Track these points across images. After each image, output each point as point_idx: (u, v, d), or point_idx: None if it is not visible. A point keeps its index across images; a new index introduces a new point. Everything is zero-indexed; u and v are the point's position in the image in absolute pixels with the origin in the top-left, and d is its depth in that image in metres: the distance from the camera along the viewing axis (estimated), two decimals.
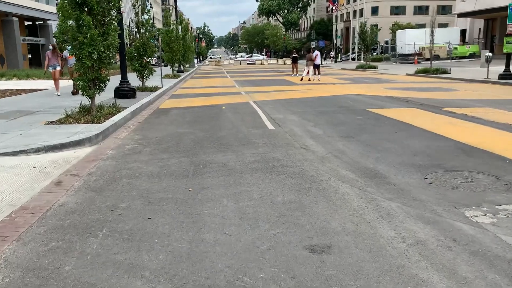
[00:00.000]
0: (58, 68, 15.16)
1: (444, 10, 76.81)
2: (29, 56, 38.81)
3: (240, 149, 7.06)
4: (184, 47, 34.67)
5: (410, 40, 50.17)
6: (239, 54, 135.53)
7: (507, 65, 21.13)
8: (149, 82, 19.50)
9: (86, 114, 9.77)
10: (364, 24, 40.69)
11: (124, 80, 14.45)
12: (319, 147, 7.08)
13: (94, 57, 9.58)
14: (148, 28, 17.95)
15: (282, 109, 12.23)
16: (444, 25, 58.20)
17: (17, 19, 34.07)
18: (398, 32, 54.96)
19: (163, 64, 40.10)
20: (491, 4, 47.29)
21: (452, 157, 6.19)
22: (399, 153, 6.48)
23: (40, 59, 37.16)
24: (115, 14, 10.19)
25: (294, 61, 30.06)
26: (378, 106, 12.37)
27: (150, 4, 58.39)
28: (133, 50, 17.59)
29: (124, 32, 16.96)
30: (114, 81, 14.00)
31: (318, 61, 24.75)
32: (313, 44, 64.31)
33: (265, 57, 78.72)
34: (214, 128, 9.19)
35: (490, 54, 23.96)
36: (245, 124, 9.64)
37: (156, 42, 22.80)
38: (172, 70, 30.84)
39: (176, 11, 45.20)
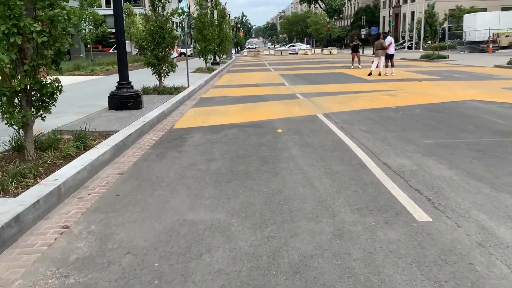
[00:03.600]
0: None
1: None
2: None
3: None
4: (220, 35, 29.50)
5: (482, 25, 42.89)
6: (269, 44, 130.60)
7: None
8: (173, 79, 14.47)
9: (9, 163, 4.70)
10: (432, 7, 34.00)
11: (123, 82, 9.27)
12: None
13: (18, 43, 4.49)
14: (167, 4, 12.74)
15: (390, 136, 6.72)
16: (509, 9, 49.97)
17: None
18: (466, 16, 47.42)
19: (198, 55, 35.02)
20: None
21: None
22: None
23: None
24: None
25: (355, 50, 24.06)
26: None
27: None
28: (146, 36, 12.44)
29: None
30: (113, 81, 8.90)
31: (392, 50, 18.87)
32: (363, 32, 57.61)
33: (308, 46, 72.43)
34: (275, 212, 3.86)
35: None
36: (344, 193, 4.24)
37: (181, 29, 17.67)
38: (206, 63, 25.66)
39: None
